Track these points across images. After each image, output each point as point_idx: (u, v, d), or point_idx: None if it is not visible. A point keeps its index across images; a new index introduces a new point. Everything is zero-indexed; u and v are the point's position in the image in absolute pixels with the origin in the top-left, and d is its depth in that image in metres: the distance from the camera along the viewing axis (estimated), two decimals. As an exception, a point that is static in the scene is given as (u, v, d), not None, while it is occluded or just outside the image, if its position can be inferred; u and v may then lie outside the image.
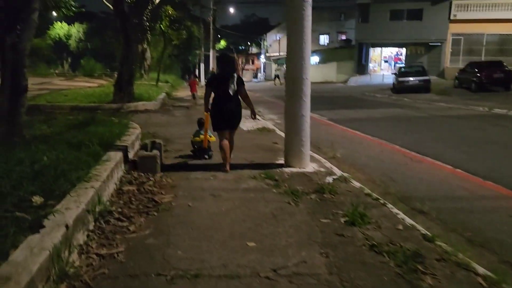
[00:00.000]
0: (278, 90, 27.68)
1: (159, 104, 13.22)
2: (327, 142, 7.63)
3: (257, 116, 11.64)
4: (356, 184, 4.77)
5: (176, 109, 13.19)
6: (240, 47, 72.50)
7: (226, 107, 5.21)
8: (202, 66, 37.89)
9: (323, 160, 6.02)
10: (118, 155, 4.77)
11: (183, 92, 21.15)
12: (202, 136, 5.95)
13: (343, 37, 48.98)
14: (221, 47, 65.01)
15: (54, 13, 29.55)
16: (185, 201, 4.03)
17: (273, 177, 4.94)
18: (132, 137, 6.07)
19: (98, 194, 3.50)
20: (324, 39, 51.19)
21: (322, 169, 5.46)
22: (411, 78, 19.87)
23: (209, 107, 5.39)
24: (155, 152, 5.04)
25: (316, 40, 50.57)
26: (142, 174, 4.89)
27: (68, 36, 48.05)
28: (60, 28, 47.72)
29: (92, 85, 21.82)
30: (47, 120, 7.54)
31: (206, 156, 5.98)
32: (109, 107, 11.57)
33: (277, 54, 52.43)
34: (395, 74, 21.39)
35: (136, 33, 12.96)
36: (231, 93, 5.17)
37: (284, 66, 34.23)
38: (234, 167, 5.47)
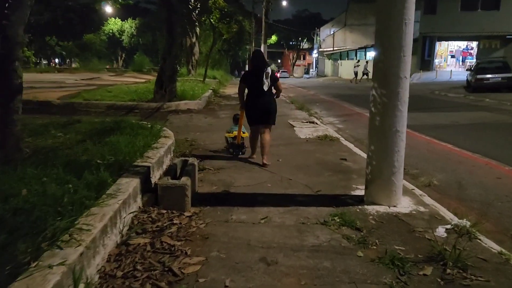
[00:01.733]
0: (335, 87, 25.65)
1: (203, 103, 11.91)
2: (413, 160, 5.83)
3: (315, 120, 10.03)
4: (489, 243, 3.02)
5: (222, 109, 11.82)
6: (291, 42, 70.55)
7: (259, 102, 5.30)
8: (252, 61, 36.43)
9: (417, 191, 4.28)
10: (132, 184, 3.36)
11: (232, 89, 19.85)
12: (235, 132, 5.91)
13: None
14: (272, 42, 63.48)
15: (107, 7, 29.48)
16: (219, 274, 2.51)
17: (353, 224, 3.31)
18: (161, 151, 4.67)
19: (74, 272, 2.08)
20: (381, 33, 47.95)
21: (421, 208, 3.75)
22: (491, 75, 17.13)
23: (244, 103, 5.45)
24: (184, 180, 3.57)
25: (372, 34, 47.59)
26: (165, 212, 3.45)
27: (121, 32, 48.78)
28: (114, 24, 48.54)
29: (140, 80, 21.17)
30: (68, 123, 6.39)
31: (241, 153, 5.85)
32: (148, 106, 10.41)
33: (331, 49, 49.99)
34: (470, 70, 18.68)
35: (182, 25, 11.69)
36: (265, 88, 5.23)
37: (364, 60, 31.88)
38: (294, 199, 3.93)
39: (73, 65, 48.04)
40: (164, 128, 6.24)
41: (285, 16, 77.39)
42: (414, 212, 3.66)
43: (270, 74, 5.22)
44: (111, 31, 48.49)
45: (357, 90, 21.69)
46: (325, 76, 51.88)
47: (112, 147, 4.50)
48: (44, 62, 56.68)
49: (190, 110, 10.79)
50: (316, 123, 9.19)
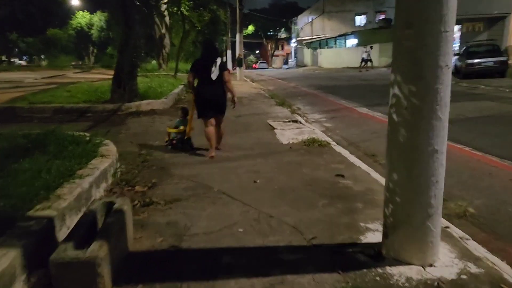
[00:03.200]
0: (316, 78, 24.35)
1: (170, 102, 10.41)
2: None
3: (299, 118, 8.69)
4: None
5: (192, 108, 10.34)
6: (269, 32, 68.94)
7: (209, 92, 5.21)
8: (229, 53, 34.94)
9: (454, 229, 2.97)
10: (4, 261, 1.95)
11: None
12: (182, 128, 5.71)
13: (382, 17, 44.61)
14: (249, 32, 61.78)
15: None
16: None
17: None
18: (85, 183, 3.24)
19: None
20: (360, 20, 46.99)
21: (471, 267, 2.45)
22: (483, 60, 16.06)
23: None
24: (95, 250, 2.14)
25: (351, 21, 46.54)
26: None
27: (91, 26, 46.19)
28: (82, 17, 45.87)
29: (107, 77, 19.25)
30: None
31: (188, 147, 5.60)
32: (103, 109, 8.86)
33: (310, 37, 48.71)
34: (458, 55, 17.62)
35: (141, 10, 10.11)
36: (213, 78, 5.12)
37: (369, 47, 30.15)
38: (278, 258, 2.59)
39: (42, 63, 45.43)
40: (106, 141, 4.78)
41: (261, 6, 75.62)
42: (464, 276, 2.35)
43: (219, 63, 5.16)
44: (79, 25, 45.85)
45: (340, 80, 20.46)
46: (304, 66, 50.61)
47: (10, 182, 3.06)
48: (13, 59, 53.70)
49: (154, 111, 9.28)
50: (300, 122, 7.85)
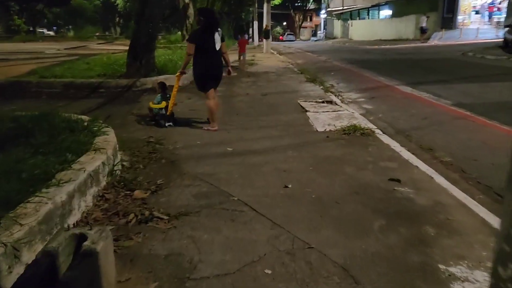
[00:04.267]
0: (348, 51, 22.81)
1: (190, 77, 9.48)
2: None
3: (334, 98, 7.64)
4: None
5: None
6: (297, 3, 66.26)
7: (214, 63, 5.03)
8: (255, 24, 33.46)
9: None
10: None
11: (232, 56, 17.35)
12: (164, 103, 5.31)
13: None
14: (277, 3, 59.48)
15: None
16: None
17: None
18: (60, 197, 2.42)
19: None
20: (396, -11, 44.05)
21: None
22: (540, 32, 14.26)
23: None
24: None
25: (386, -10, 43.66)
26: None
27: (116, -5, 45.34)
28: (106, -13, 45.04)
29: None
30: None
31: (171, 124, 5.32)
32: (117, 84, 8.08)
33: (340, 8, 46.29)
34: (509, 26, 15.80)
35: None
36: (217, 48, 4.95)
37: (425, 17, 27.81)
38: None
39: (68, 33, 45.20)
40: (106, 129, 3.95)
41: (290, -26, 72.38)
42: None
43: (221, 33, 5.03)
44: (104, -6, 45.12)
45: (375, 54, 18.97)
46: (334, 38, 48.37)
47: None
48: (40, 30, 53.88)
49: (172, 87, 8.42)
50: (336, 103, 6.82)
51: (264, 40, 21.23)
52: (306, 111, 6.22)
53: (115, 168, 3.37)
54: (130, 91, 7.99)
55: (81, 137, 3.56)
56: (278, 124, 5.44)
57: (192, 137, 4.85)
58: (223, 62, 5.24)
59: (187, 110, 6.37)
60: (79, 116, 4.39)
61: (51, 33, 55.19)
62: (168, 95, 5.42)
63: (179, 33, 20.16)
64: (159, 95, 5.46)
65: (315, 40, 51.65)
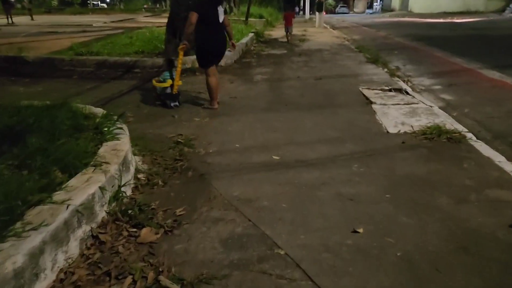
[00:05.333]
0: (409, 26, 20.66)
1: (235, 55, 8.50)
2: None
3: (403, 85, 6.36)
4: None
5: (262, 63, 8.40)
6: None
7: (218, 36, 4.71)
8: (307, -5, 31.51)
9: None
10: None
11: (280, 31, 16.06)
12: (169, 81, 4.81)
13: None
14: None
15: None
16: None
17: None
18: (13, 265, 1.60)
19: None
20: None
21: None
22: None
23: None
24: None
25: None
26: None
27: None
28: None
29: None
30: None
31: (177, 103, 4.90)
32: (152, 64, 7.26)
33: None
34: None
35: None
36: (221, 20, 4.64)
37: None
38: None
39: (119, 6, 45.42)
40: (119, 130, 3.11)
41: None
42: None
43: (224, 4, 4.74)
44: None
45: (441, 29, 16.92)
46: (391, 10, 45.07)
47: None
48: (94, 2, 54.78)
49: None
50: (407, 92, 5.59)
51: (317, 13, 19.65)
52: (371, 102, 5.07)
53: (122, 190, 2.52)
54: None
55: (83, 143, 2.73)
56: (336, 121, 4.38)
57: (230, 136, 3.92)
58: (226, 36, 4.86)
59: (228, 98, 5.43)
60: (92, 110, 3.60)
61: (104, 5, 56.00)
62: (171, 73, 4.94)
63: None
64: (166, 72, 5.00)
65: (371, 13, 48.44)
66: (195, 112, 4.74)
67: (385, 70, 7.36)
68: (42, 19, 24.69)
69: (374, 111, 4.69)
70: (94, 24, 20.66)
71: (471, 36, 13.10)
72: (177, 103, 4.93)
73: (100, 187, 2.25)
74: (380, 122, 4.29)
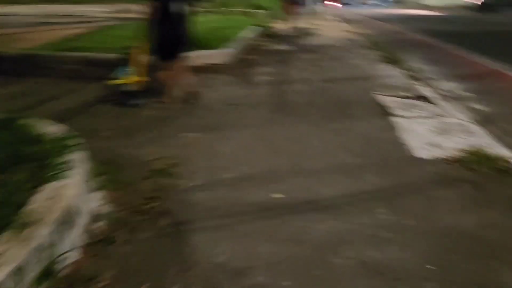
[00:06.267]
0: (422, 20, 19.67)
1: (236, 53, 7.70)
2: None
3: (423, 90, 5.50)
4: None
5: (265, 61, 7.62)
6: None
7: (181, 27, 4.37)
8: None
9: None
10: None
11: (289, 23, 15.19)
12: (131, 77, 4.48)
13: None
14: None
15: None
16: None
17: None
18: None
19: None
20: None
21: None
22: None
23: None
24: None
25: None
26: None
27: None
28: None
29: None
30: None
31: (138, 103, 4.47)
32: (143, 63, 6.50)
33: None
34: None
35: None
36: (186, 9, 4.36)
37: None
38: None
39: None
40: (76, 155, 2.37)
41: None
42: None
43: None
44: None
45: (458, 24, 15.97)
46: (399, 1, 43.83)
47: None
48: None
49: (213, 67, 6.73)
50: (430, 100, 4.81)
51: (328, 3, 18.72)
52: (390, 113, 4.30)
53: (59, 259, 1.79)
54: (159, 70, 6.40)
55: (14, 185, 2.01)
56: (351, 139, 3.62)
57: (222, 161, 3.18)
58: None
59: (224, 106, 4.67)
60: (49, 128, 2.87)
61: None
62: (128, 69, 4.58)
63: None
64: (121, 67, 4.62)
65: (374, 4, 47.08)
66: (183, 125, 4.00)
67: (402, 71, 6.56)
68: (39, 8, 23.88)
69: (395, 125, 3.92)
70: (96, 14, 19.86)
71: (491, 32, 12.21)
72: (137, 102, 4.51)
73: (18, 268, 1.52)
74: (404, 142, 3.52)
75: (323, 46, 9.57)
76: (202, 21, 11.18)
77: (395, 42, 10.78)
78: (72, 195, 2.03)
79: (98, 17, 18.14)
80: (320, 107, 4.63)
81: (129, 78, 4.50)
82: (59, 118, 4.25)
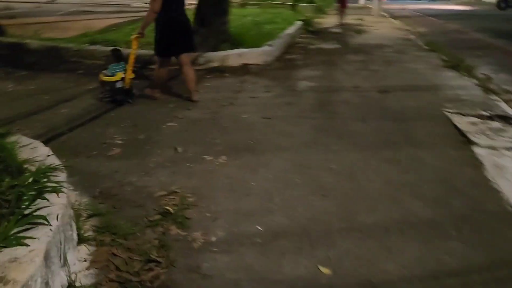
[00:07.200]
0: (485, 17, 17.96)
1: (276, 51, 6.90)
2: None
3: (502, 105, 4.36)
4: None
5: (309, 63, 6.79)
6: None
7: (182, 20, 4.21)
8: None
9: None
10: None
11: (333, 19, 14.21)
12: (119, 74, 4.26)
13: None
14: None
15: None
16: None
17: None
18: None
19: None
20: None
21: None
22: None
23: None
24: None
25: None
26: None
27: None
28: None
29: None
30: None
31: (130, 100, 4.33)
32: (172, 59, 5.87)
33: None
34: None
35: None
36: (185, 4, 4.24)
37: None
38: None
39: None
40: (44, 210, 1.71)
41: None
42: None
43: None
44: None
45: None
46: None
47: None
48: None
49: (247, 67, 6.00)
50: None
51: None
52: (470, 141, 3.39)
53: None
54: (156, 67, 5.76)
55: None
56: (421, 178, 2.77)
57: (251, 202, 2.45)
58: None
59: (258, 119, 3.93)
60: (35, 151, 2.25)
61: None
62: (123, 65, 4.36)
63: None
64: (113, 64, 4.39)
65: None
66: (208, 144, 3.30)
67: (473, 80, 5.54)
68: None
69: (480, 161, 3.03)
70: (134, 4, 19.66)
71: None
72: (130, 100, 4.33)
73: None
74: (497, 187, 2.64)
75: (373, 45, 8.59)
76: (239, 15, 10.48)
77: (457, 43, 9.56)
78: (38, 259, 1.38)
79: (138, 7, 17.88)
80: (376, 126, 3.79)
81: (126, 75, 4.25)
82: (68, 124, 3.70)
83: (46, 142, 3.23)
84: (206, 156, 3.06)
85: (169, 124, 3.76)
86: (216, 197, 2.49)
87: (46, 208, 1.71)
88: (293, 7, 13.96)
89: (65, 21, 11.46)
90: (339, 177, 2.79)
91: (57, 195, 1.83)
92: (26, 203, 1.73)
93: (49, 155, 2.25)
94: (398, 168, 2.93)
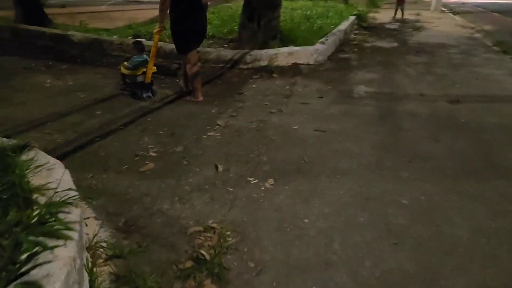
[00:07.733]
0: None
1: (329, 49, 6.32)
2: None
3: None
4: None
5: (366, 59, 6.17)
6: None
7: (202, 15, 3.93)
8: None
9: None
10: None
11: (387, 13, 13.27)
12: (141, 68, 4.12)
13: None
14: None
15: None
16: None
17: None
18: None
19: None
20: None
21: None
22: None
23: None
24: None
25: None
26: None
27: None
28: None
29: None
30: None
31: (150, 95, 4.18)
32: (217, 57, 5.46)
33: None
34: None
35: None
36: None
37: None
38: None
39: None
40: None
41: None
42: None
43: None
44: None
45: None
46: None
47: None
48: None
49: (298, 67, 5.48)
50: None
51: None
52: None
53: None
54: (234, 69, 5.32)
55: None
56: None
57: (305, 248, 1.98)
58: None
59: (311, 132, 3.43)
60: (47, 177, 1.89)
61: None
62: (145, 57, 4.23)
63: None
64: (135, 57, 4.25)
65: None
66: (253, 162, 2.85)
67: (562, 91, 4.73)
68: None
69: None
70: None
71: None
72: (150, 94, 4.19)
73: None
74: None
75: (435, 45, 7.78)
76: (289, 8, 9.91)
77: None
78: None
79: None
80: (452, 147, 3.18)
81: (147, 69, 4.09)
82: (101, 128, 3.37)
83: (75, 151, 2.95)
84: (250, 179, 2.61)
85: (210, 134, 3.35)
86: (261, 238, 2.04)
87: (46, 265, 1.33)
88: (345, 0, 13.17)
89: (113, 11, 11.42)
90: (412, 217, 2.25)
91: (65, 242, 1.45)
92: (25, 255, 1.36)
93: (66, 180, 1.88)
94: (487, 208, 2.35)
